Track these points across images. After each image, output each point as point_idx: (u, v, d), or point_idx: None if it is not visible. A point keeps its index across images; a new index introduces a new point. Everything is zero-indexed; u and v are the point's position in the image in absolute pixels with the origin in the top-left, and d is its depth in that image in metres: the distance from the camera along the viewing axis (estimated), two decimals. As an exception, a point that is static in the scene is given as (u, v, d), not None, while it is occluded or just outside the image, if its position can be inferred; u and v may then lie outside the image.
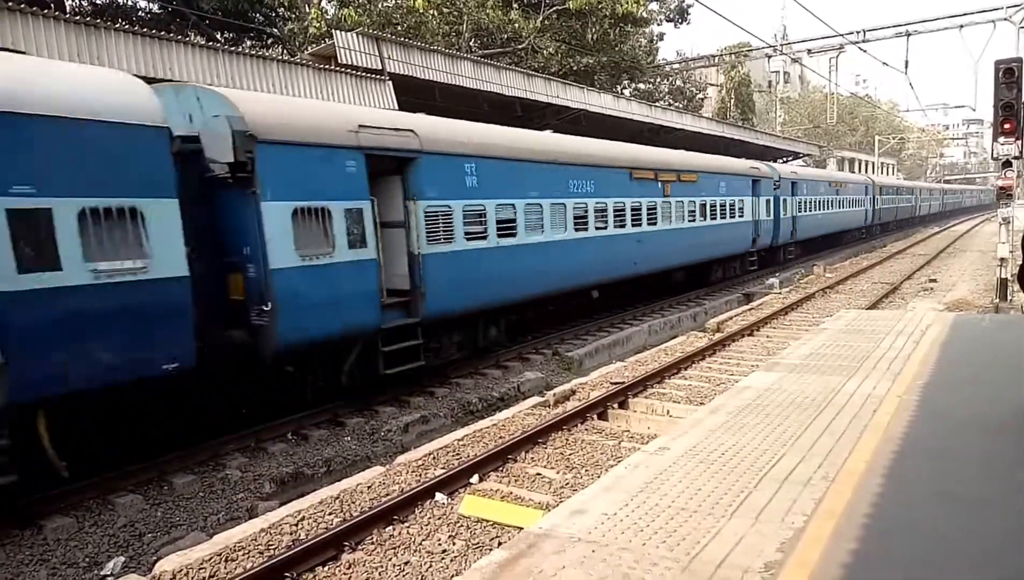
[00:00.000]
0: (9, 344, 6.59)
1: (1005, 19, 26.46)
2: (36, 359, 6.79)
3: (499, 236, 13.01)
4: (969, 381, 7.51)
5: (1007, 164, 15.74)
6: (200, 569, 5.94)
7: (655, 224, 18.76)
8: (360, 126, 10.27)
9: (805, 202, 30.92)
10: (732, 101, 52.30)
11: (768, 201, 26.63)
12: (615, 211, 16.89)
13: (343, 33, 15.75)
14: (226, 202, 9.09)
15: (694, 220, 21.04)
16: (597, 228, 16.18)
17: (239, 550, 6.25)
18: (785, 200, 28.30)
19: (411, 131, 11.13)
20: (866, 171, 69.50)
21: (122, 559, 6.81)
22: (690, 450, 5.69)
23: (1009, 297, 16.40)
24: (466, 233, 12.20)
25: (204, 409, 9.34)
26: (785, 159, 43.79)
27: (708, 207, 21.89)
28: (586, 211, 15.73)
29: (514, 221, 13.44)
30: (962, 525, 4.17)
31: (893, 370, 8.00)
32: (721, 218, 22.80)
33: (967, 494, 4.56)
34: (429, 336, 11.71)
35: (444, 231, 11.71)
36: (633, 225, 17.67)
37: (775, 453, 5.47)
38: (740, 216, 24.35)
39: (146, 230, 7.66)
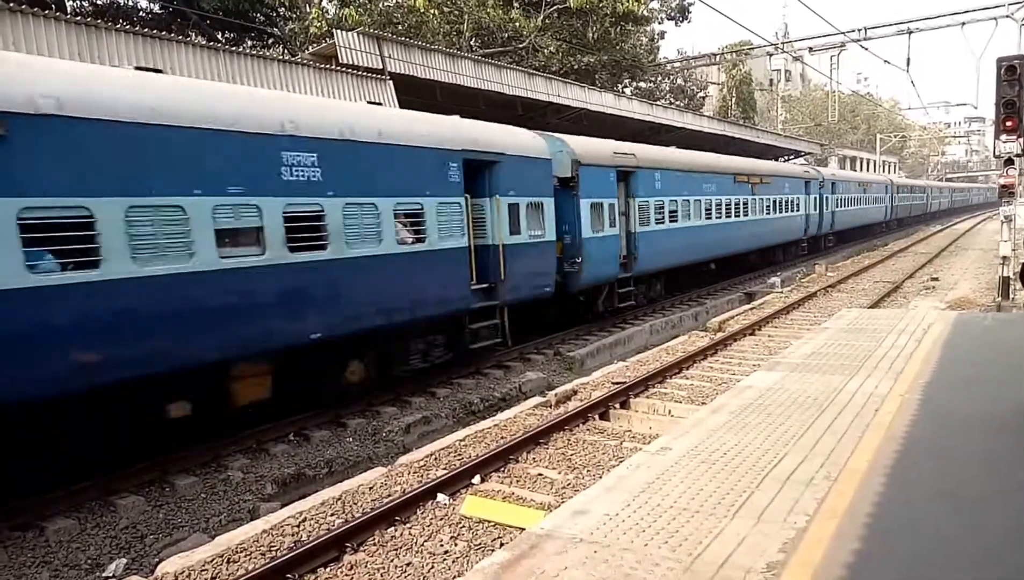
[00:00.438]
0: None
1: (1007, 16, 26.40)
2: (514, 278, 13.32)
3: (670, 222, 19.77)
4: (971, 380, 7.49)
5: (1009, 162, 15.71)
6: (202, 570, 5.94)
7: (748, 216, 25.63)
8: (614, 153, 17.41)
9: (840, 199, 36.57)
10: (733, 99, 52.25)
11: (815, 198, 32.27)
12: (726, 205, 23.60)
13: (344, 32, 15.74)
14: (561, 199, 15.15)
15: (770, 213, 27.70)
16: (717, 217, 23.00)
17: (241, 551, 6.25)
18: (826, 197, 33.60)
19: (632, 154, 18.15)
20: (868, 169, 69.49)
21: (124, 561, 6.81)
22: (692, 450, 5.68)
23: (1011, 295, 16.38)
24: (656, 219, 18.97)
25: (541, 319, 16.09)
26: (787, 157, 43.74)
27: (778, 203, 28.38)
28: (712, 205, 22.49)
29: (677, 212, 20.15)
30: (964, 524, 4.16)
31: (895, 369, 7.99)
32: (786, 212, 29.33)
33: (969, 493, 4.55)
34: (638, 285, 18.77)
35: (646, 218, 18.49)
36: (736, 216, 24.49)
37: (777, 453, 5.46)
38: (797, 210, 30.73)
39: (543, 215, 14.18)
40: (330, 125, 9.63)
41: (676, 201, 19.90)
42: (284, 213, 8.85)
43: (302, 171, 9.11)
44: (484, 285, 12.71)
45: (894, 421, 6.01)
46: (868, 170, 68.57)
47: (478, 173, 12.57)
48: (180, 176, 7.84)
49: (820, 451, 5.43)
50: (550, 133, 16.13)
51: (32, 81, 6.82)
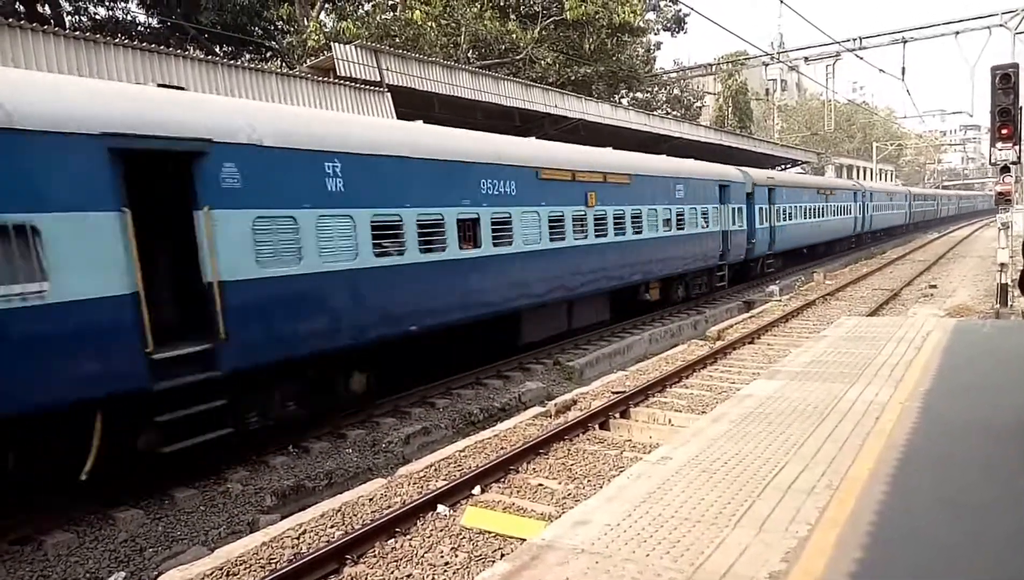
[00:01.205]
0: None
1: (1001, 25, 26.58)
2: (733, 249, 24.15)
3: (788, 220, 29.66)
4: (971, 387, 7.49)
5: (1005, 169, 15.77)
6: (201, 584, 5.90)
7: (823, 216, 36.27)
8: (767, 177, 28.40)
9: (785, 210, 29.38)
10: (729, 109, 52.46)
11: (738, 209, 24.39)
12: (816, 209, 34.44)
13: (341, 45, 15.81)
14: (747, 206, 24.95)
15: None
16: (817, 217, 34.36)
17: (240, 564, 6.22)
18: (761, 208, 26.63)
19: (772, 178, 28.31)
20: (865, 178, 69.68)
21: (123, 574, 6.78)
22: (692, 459, 5.67)
23: (1010, 302, 16.40)
24: (781, 218, 28.58)
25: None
26: (783, 166, 43.91)
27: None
28: (810, 209, 33.02)
29: (793, 213, 30.37)
30: (966, 533, 4.15)
31: (895, 377, 7.99)
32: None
33: (970, 501, 4.54)
34: (775, 258, 29.20)
35: (778, 217, 28.23)
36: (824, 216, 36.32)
37: (778, 462, 5.44)
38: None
39: (742, 214, 24.56)
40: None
41: (792, 207, 29.99)
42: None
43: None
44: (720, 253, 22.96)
45: (895, 429, 6.01)
46: (865, 178, 68.79)
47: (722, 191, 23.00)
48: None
49: (821, 459, 5.42)
50: (742, 168, 26.20)
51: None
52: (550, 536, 4.47)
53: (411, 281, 10.80)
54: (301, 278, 9.07)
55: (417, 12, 22.65)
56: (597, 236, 15.92)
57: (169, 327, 8.13)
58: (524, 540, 6.19)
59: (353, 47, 15.73)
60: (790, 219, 29.97)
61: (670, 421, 9.77)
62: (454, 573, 5.94)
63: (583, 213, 15.33)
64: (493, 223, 12.53)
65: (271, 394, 9.35)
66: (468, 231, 12.00)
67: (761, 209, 26.59)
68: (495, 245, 12.60)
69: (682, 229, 20.03)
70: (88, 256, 6.95)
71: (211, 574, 6.04)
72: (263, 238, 8.64)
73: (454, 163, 11.75)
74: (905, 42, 28.55)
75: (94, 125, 7.07)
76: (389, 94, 15.90)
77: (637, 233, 17.59)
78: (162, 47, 12.54)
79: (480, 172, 12.34)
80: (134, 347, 7.36)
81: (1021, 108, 15.50)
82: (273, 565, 6.20)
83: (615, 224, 16.60)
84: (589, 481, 7.76)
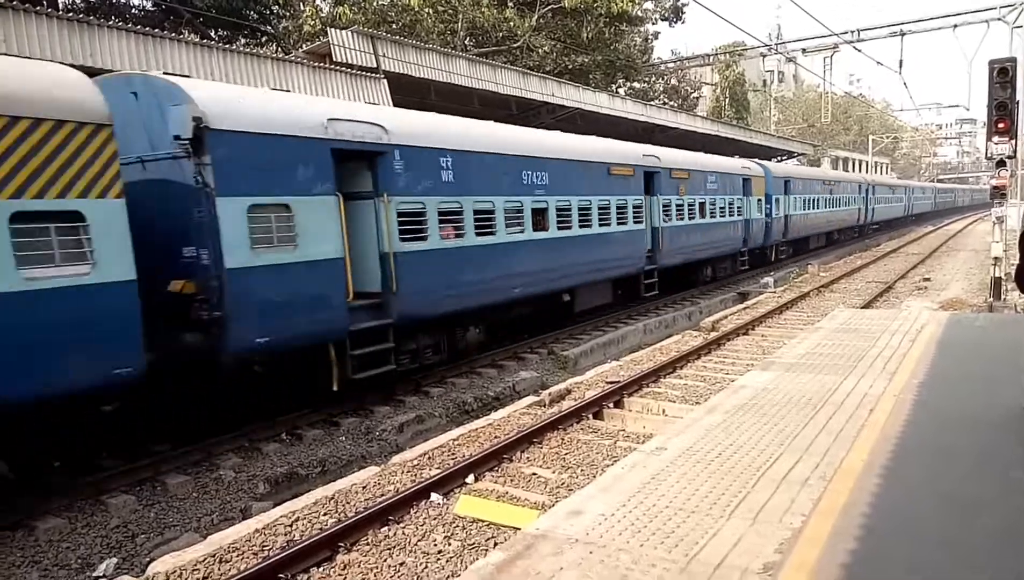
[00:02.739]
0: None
1: (999, 19, 26.56)
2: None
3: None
4: (965, 380, 7.51)
5: (1001, 163, 15.77)
6: (194, 570, 5.89)
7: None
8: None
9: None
10: (727, 100, 52.36)
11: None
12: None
13: (338, 31, 15.68)
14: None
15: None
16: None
17: (233, 551, 6.20)
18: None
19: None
20: (860, 170, 69.79)
21: (115, 560, 6.75)
22: (687, 450, 5.67)
23: (1003, 296, 16.46)
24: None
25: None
26: (780, 158, 43.89)
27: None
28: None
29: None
30: (959, 525, 4.16)
31: (889, 369, 8.00)
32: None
33: (964, 494, 4.55)
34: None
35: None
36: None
37: (772, 453, 5.45)
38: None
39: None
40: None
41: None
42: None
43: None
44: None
45: (889, 421, 6.02)
46: (861, 170, 68.87)
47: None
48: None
49: (815, 451, 5.43)
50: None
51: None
52: (544, 526, 4.46)
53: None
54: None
55: (414, -2, 22.51)
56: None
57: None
58: (518, 529, 6.19)
59: (350, 33, 15.60)
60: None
61: (664, 411, 9.77)
62: (447, 561, 5.94)
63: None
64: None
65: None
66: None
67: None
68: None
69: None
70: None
71: (203, 560, 6.02)
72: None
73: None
74: (903, 35, 28.52)
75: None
76: (385, 80, 15.78)
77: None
78: (157, 30, 12.40)
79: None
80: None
81: (1018, 102, 15.48)
82: (266, 552, 6.19)
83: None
84: (583, 470, 7.76)
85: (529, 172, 13.90)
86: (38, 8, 10.33)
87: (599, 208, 16.17)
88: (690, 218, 20.92)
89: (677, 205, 20.05)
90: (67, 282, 6.86)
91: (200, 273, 8.48)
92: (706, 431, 6.11)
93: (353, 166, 10.31)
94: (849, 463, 5.06)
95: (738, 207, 24.78)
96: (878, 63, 27.97)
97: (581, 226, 15.56)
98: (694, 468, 5.24)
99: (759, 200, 26.60)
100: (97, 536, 7.10)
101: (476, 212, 12.41)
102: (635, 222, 17.75)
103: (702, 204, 21.64)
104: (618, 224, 16.98)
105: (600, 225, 16.22)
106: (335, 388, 10.00)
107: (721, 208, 23.18)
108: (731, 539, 4.05)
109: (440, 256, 11.63)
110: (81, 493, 7.71)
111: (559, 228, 14.76)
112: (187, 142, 8.05)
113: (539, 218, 14.23)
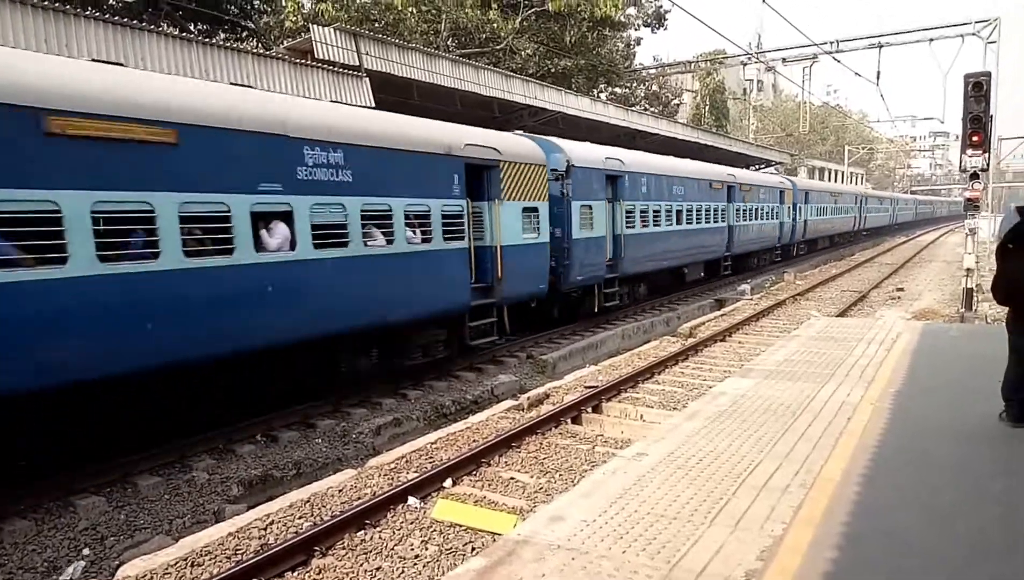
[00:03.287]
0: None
1: (973, 34, 27.08)
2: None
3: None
4: (940, 389, 7.61)
5: (975, 176, 16.03)
6: (165, 574, 5.76)
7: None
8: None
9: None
10: (707, 108, 52.78)
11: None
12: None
13: (320, 28, 15.53)
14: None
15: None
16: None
17: (206, 554, 6.07)
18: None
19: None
20: (836, 180, 70.80)
21: (83, 563, 6.58)
22: (668, 456, 5.66)
23: (974, 307, 16.73)
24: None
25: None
26: (758, 166, 44.32)
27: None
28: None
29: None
30: (938, 533, 4.19)
31: (866, 377, 8.08)
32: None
33: (941, 503, 4.59)
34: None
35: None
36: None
37: (752, 459, 5.46)
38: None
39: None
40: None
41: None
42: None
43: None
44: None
45: (867, 429, 6.06)
46: (836, 181, 69.87)
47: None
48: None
49: (795, 458, 5.45)
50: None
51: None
52: (525, 531, 4.41)
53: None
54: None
55: (398, -3, 22.39)
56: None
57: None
58: (495, 534, 6.16)
59: (332, 30, 15.46)
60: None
61: (642, 417, 9.77)
62: (424, 566, 5.86)
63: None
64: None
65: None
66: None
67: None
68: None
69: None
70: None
71: (175, 564, 5.89)
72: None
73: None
74: (881, 47, 28.95)
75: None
76: (368, 79, 15.66)
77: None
78: (136, 22, 12.18)
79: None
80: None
81: (991, 116, 15.76)
82: (240, 556, 6.07)
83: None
84: (561, 475, 7.72)
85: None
86: (13, -4, 10.07)
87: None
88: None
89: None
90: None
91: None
92: (687, 437, 6.11)
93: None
94: (828, 471, 5.08)
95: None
96: (856, 74, 28.34)
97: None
98: (675, 474, 5.23)
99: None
100: (64, 538, 6.91)
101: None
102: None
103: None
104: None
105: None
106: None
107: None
108: (713, 546, 4.04)
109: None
110: (48, 495, 7.52)
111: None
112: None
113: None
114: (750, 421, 6.58)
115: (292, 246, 9.21)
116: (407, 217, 11.16)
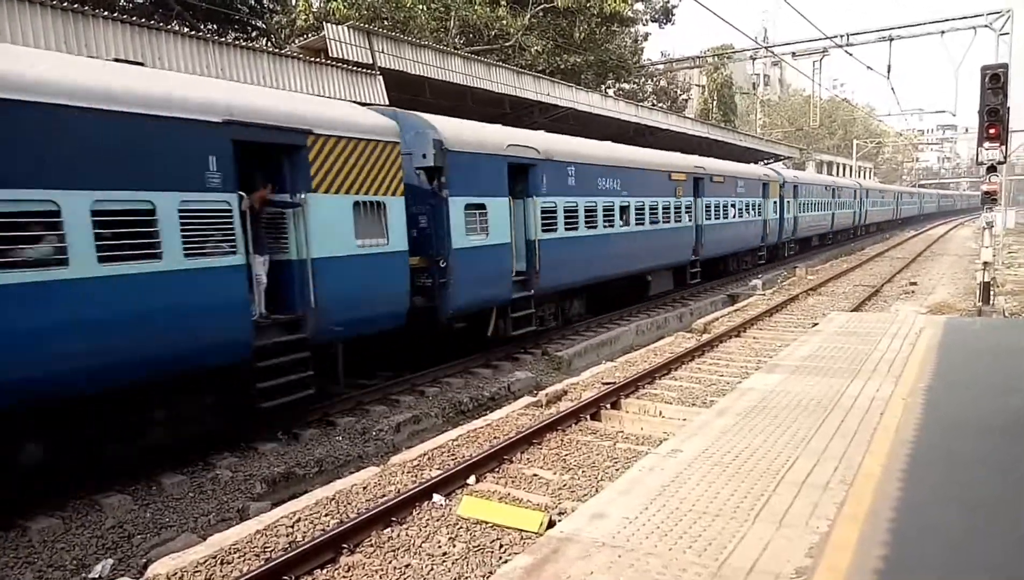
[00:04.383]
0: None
1: (986, 26, 26.86)
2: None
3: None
4: (971, 384, 7.53)
5: (992, 169, 15.89)
6: (195, 572, 5.75)
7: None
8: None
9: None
10: (715, 103, 52.61)
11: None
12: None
13: (334, 26, 15.50)
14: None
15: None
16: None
17: (234, 552, 6.07)
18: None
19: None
20: (844, 174, 70.52)
21: (111, 561, 6.59)
22: (703, 452, 5.62)
23: (991, 301, 16.61)
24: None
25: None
26: (766, 161, 44.16)
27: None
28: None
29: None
30: (984, 530, 4.14)
31: (894, 372, 8.01)
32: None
33: (986, 499, 4.54)
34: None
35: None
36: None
37: (789, 456, 5.41)
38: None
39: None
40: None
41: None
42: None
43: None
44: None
45: (901, 424, 6.00)
46: (845, 175, 69.56)
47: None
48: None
49: (832, 454, 5.40)
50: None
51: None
52: (569, 529, 4.38)
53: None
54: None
55: (408, -6, 22.29)
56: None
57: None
58: (522, 531, 6.13)
59: (346, 28, 15.41)
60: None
61: (661, 413, 9.74)
62: (452, 563, 5.84)
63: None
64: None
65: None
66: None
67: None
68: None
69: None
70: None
71: (205, 562, 5.88)
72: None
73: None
74: (892, 40, 28.76)
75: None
76: (381, 77, 15.63)
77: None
78: (153, 23, 12.18)
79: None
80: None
81: (1008, 108, 15.62)
82: (268, 554, 6.06)
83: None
84: (584, 472, 7.70)
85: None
86: (30, -4, 10.06)
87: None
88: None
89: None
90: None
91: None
92: (720, 434, 6.07)
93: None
94: (868, 467, 5.04)
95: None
96: (868, 68, 28.13)
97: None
98: (712, 471, 5.19)
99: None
100: (92, 536, 6.93)
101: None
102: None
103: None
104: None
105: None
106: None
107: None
108: (759, 543, 4.00)
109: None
110: (75, 493, 7.53)
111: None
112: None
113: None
114: (782, 417, 6.53)
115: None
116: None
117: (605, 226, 16.99)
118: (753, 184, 27.49)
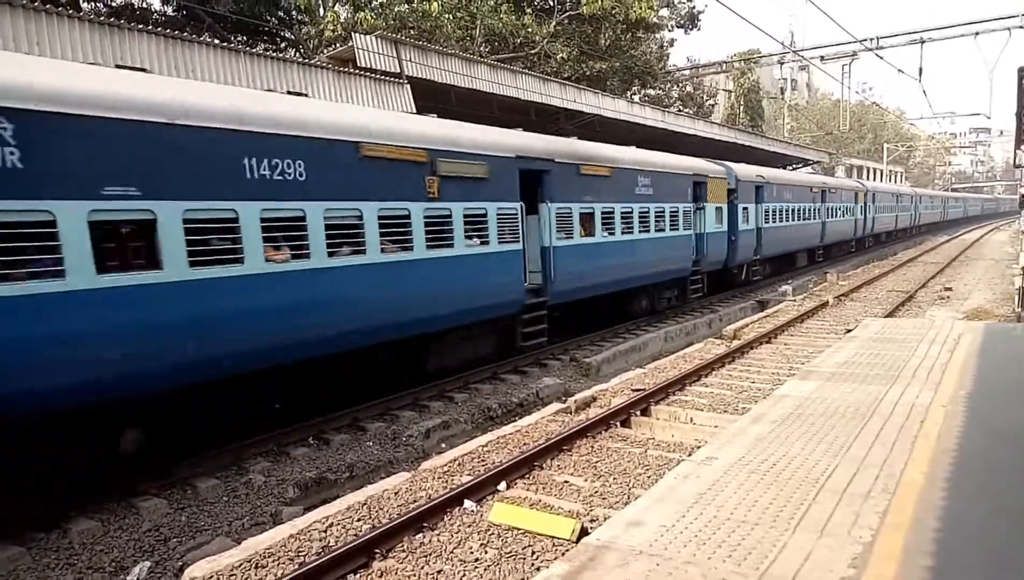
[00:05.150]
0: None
1: (1021, 27, 26.35)
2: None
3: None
4: (1012, 391, 7.35)
5: (1030, 172, 15.60)
6: (230, 576, 5.80)
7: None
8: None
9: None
10: (741, 108, 52.23)
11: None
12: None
13: (362, 36, 15.67)
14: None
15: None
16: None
17: (269, 556, 6.11)
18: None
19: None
20: (875, 179, 69.49)
21: (148, 564, 6.68)
22: (739, 460, 5.54)
23: (1031, 307, 16.24)
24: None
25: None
26: (795, 166, 43.72)
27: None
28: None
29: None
30: (1033, 543, 4.02)
31: (932, 379, 7.85)
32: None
33: (1033, 510, 4.41)
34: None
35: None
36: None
37: (827, 464, 5.32)
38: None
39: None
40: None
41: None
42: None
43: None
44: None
45: (942, 432, 5.87)
46: (876, 179, 68.59)
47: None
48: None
49: (872, 463, 5.29)
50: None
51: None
52: (605, 537, 4.34)
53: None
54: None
55: (434, 4, 22.46)
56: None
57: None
58: (554, 538, 6.10)
59: (374, 37, 15.58)
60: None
61: (692, 420, 9.64)
62: (485, 569, 5.83)
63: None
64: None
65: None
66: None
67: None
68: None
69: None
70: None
71: (240, 566, 5.93)
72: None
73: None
74: (923, 43, 28.32)
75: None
76: (408, 86, 15.76)
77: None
78: (185, 34, 12.41)
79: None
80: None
81: (1047, 110, 15.33)
82: (302, 558, 6.10)
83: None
84: (615, 479, 7.64)
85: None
86: (70, 12, 10.33)
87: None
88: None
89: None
90: None
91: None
92: (756, 441, 5.98)
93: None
94: (909, 476, 4.93)
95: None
96: (900, 71, 27.72)
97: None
98: (749, 479, 5.11)
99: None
100: (130, 539, 7.04)
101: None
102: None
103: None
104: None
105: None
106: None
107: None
108: (801, 553, 3.92)
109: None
110: (110, 495, 7.66)
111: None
112: None
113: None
114: (818, 424, 6.43)
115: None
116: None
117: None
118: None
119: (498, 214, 12.55)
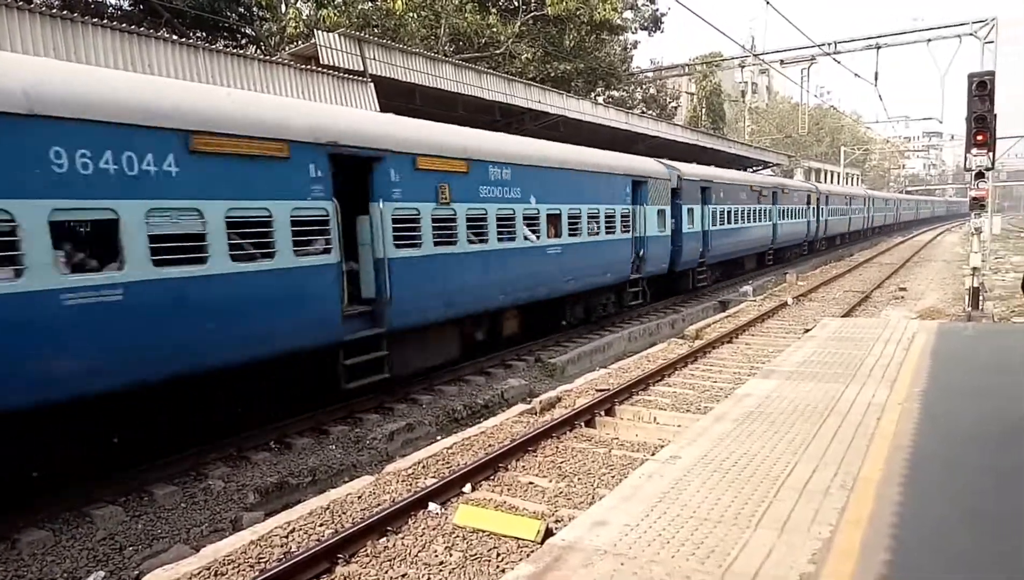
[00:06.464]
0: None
1: (971, 35, 27.16)
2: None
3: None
4: (965, 390, 7.55)
5: (980, 175, 16.03)
6: (188, 585, 5.67)
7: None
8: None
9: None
10: (704, 110, 52.91)
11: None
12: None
13: (325, 33, 15.47)
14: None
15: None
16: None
17: (228, 563, 5.99)
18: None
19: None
20: (832, 181, 71.03)
21: (102, 574, 6.49)
22: (702, 459, 5.60)
23: (980, 306, 16.72)
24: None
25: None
26: (755, 169, 44.41)
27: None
28: None
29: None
30: (987, 540, 4.12)
31: (888, 377, 8.03)
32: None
33: (987, 508, 4.52)
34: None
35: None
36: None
37: (788, 461, 5.40)
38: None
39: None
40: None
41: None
42: None
43: None
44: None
45: (898, 430, 6.01)
46: (833, 182, 70.09)
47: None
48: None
49: (830, 460, 5.39)
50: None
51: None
52: (571, 537, 4.33)
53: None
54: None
55: (398, 2, 22.30)
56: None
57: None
58: (519, 539, 6.09)
59: (337, 35, 15.41)
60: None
61: (655, 419, 9.73)
62: (450, 572, 5.79)
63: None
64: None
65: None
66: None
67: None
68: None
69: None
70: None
71: (198, 574, 5.80)
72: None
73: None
74: (879, 48, 29.02)
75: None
76: (372, 84, 15.61)
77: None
78: (142, 29, 12.11)
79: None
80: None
81: (995, 115, 15.77)
82: (263, 565, 5.99)
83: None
84: (580, 479, 7.67)
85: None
86: (19, 3, 9.99)
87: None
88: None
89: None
90: None
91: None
92: (718, 439, 6.05)
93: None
94: (867, 473, 5.02)
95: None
96: (856, 75, 28.36)
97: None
98: (712, 477, 5.16)
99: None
100: (83, 548, 6.83)
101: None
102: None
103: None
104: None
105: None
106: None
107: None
108: (762, 550, 3.97)
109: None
110: (64, 503, 7.43)
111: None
112: None
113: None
114: (779, 422, 6.53)
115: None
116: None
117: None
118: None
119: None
